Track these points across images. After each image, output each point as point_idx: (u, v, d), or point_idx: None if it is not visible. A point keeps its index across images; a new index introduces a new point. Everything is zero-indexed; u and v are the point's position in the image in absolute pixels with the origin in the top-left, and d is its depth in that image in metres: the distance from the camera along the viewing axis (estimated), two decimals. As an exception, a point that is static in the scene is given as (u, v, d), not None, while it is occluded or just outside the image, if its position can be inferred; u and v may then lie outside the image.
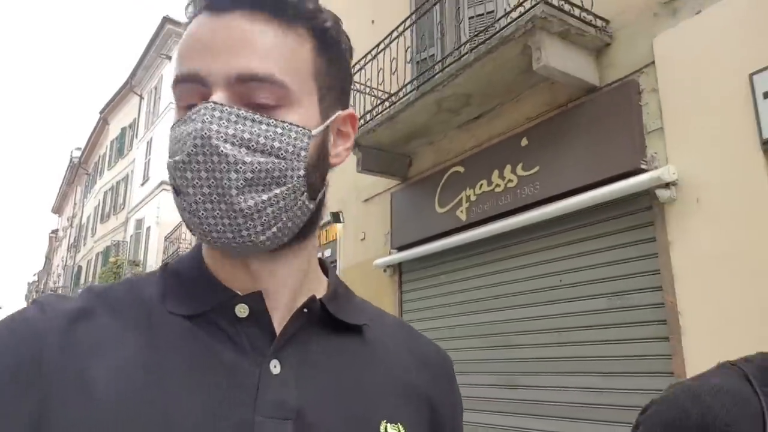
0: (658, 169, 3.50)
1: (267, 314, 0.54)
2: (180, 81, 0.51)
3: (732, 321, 3.09)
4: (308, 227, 0.56)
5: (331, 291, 0.61)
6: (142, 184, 20.81)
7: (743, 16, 3.25)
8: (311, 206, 0.54)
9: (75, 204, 35.22)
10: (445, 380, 0.66)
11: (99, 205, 26.64)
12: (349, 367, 0.57)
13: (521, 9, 4.03)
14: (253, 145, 0.48)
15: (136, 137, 22.97)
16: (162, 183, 18.77)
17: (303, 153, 0.51)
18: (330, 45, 0.56)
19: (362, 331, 0.61)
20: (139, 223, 20.35)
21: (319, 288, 0.61)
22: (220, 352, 0.52)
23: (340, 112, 0.58)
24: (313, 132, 0.53)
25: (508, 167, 4.65)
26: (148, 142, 21.08)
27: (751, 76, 3.14)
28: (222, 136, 0.47)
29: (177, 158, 0.49)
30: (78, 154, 33.94)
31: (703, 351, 3.20)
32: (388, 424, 0.56)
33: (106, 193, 25.75)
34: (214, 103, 0.48)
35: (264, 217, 0.50)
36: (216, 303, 0.54)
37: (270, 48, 0.51)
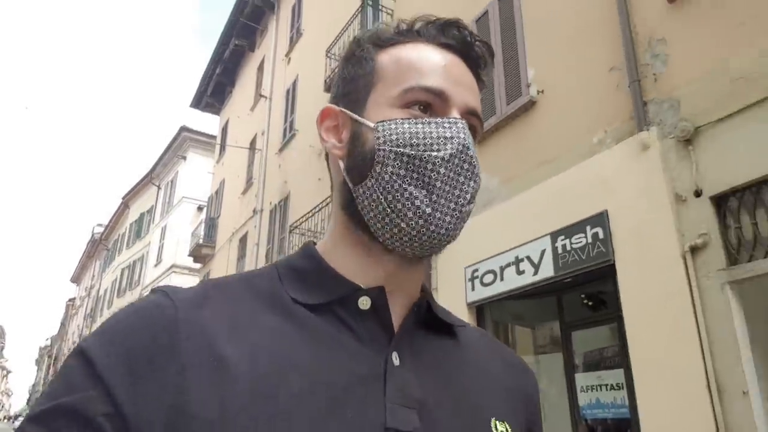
0: (432, 311, 6.54)
1: (387, 309, 0.58)
2: (422, 90, 0.59)
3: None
4: None
5: (428, 293, 0.66)
6: (156, 265, 23.91)
7: (466, 235, 6.38)
8: None
9: (93, 276, 38.41)
10: (532, 384, 0.72)
11: (116, 280, 29.70)
12: (453, 364, 0.62)
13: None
14: (477, 166, 0.59)
15: (153, 222, 26.38)
16: (172, 266, 21.91)
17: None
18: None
19: (456, 333, 0.66)
20: (151, 300, 23.15)
21: (419, 290, 0.65)
22: (343, 340, 0.55)
23: None
24: None
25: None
26: (162, 228, 24.42)
27: (465, 268, 6.22)
28: (473, 151, 0.58)
29: (435, 154, 0.56)
30: (99, 230, 37.61)
31: None
32: (497, 421, 0.60)
33: (123, 269, 28.89)
34: (465, 123, 0.59)
35: (463, 222, 0.59)
36: (340, 294, 0.58)
37: (478, 94, 0.65)
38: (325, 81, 9.73)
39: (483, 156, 4.91)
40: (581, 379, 5.44)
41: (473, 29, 0.70)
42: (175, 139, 24.64)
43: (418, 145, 0.56)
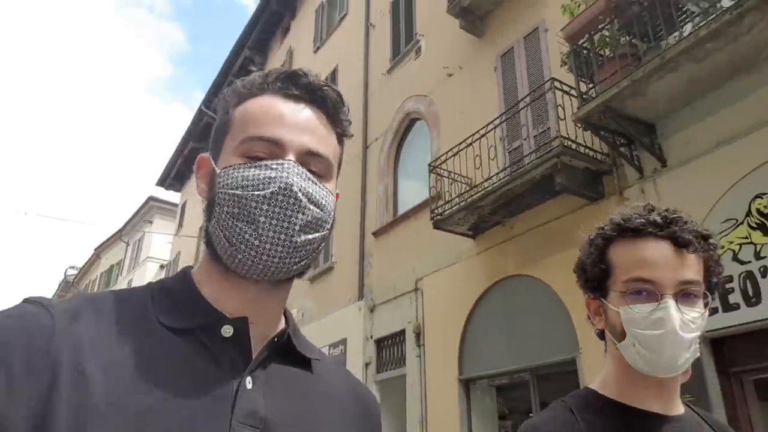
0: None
1: (248, 337, 0.65)
2: (258, 139, 0.66)
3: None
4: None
5: (292, 327, 0.73)
6: (122, 314, 27.36)
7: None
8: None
9: (64, 316, 41.40)
10: (375, 411, 0.81)
11: (85, 323, 32.97)
12: (303, 391, 0.69)
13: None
14: (313, 199, 0.66)
15: (121, 275, 30.13)
16: (136, 317, 25.48)
17: (333, 212, 0.70)
18: (343, 144, 0.77)
19: (311, 364, 0.73)
20: (116, 346, 26.68)
21: (282, 322, 0.73)
22: (201, 364, 0.61)
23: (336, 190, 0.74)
24: (335, 197, 0.71)
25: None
26: (129, 282, 28.11)
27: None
28: (299, 187, 0.64)
29: (258, 193, 0.63)
30: (72, 272, 40.96)
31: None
32: None
33: (92, 315, 32.23)
34: (294, 162, 0.65)
35: (303, 252, 0.65)
36: (205, 321, 0.64)
37: (326, 137, 0.71)
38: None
39: (312, 290, 9.50)
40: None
41: None
42: (143, 206, 28.76)
43: (246, 186, 0.63)
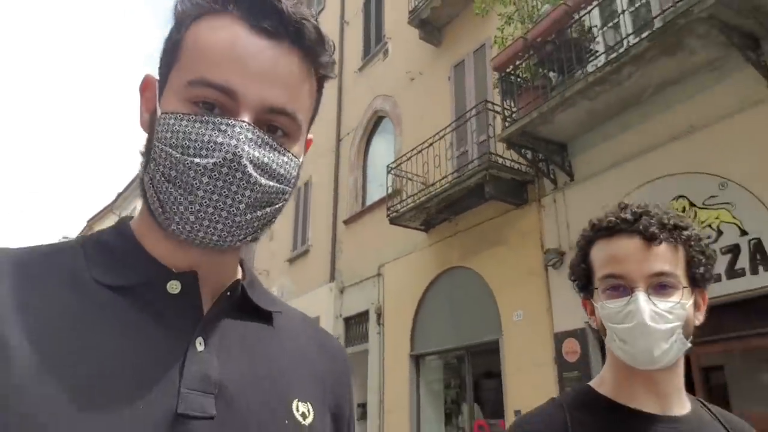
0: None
1: (198, 293, 0.58)
2: (205, 84, 0.53)
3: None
4: None
5: (249, 279, 0.66)
6: (116, 285, 28.37)
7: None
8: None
9: (59, 285, 42.40)
10: (343, 367, 0.74)
11: (81, 293, 34.01)
12: (263, 349, 0.62)
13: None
14: (268, 170, 0.55)
15: (114, 247, 30.91)
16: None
17: (294, 180, 0.59)
18: (323, 86, 0.63)
19: (272, 318, 0.66)
20: (111, 315, 27.76)
21: (237, 274, 0.65)
22: (145, 326, 0.54)
23: (308, 137, 0.64)
24: (300, 160, 0.60)
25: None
26: (122, 254, 28.99)
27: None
28: (250, 157, 0.53)
29: (198, 161, 0.52)
30: (65, 243, 41.80)
31: None
32: (299, 402, 0.61)
33: (87, 285, 33.23)
34: (249, 124, 0.53)
35: (250, 228, 0.56)
36: (148, 277, 0.56)
37: (298, 86, 0.57)
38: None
39: (291, 270, 10.54)
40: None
41: None
42: (135, 178, 29.41)
43: (187, 147, 0.52)
